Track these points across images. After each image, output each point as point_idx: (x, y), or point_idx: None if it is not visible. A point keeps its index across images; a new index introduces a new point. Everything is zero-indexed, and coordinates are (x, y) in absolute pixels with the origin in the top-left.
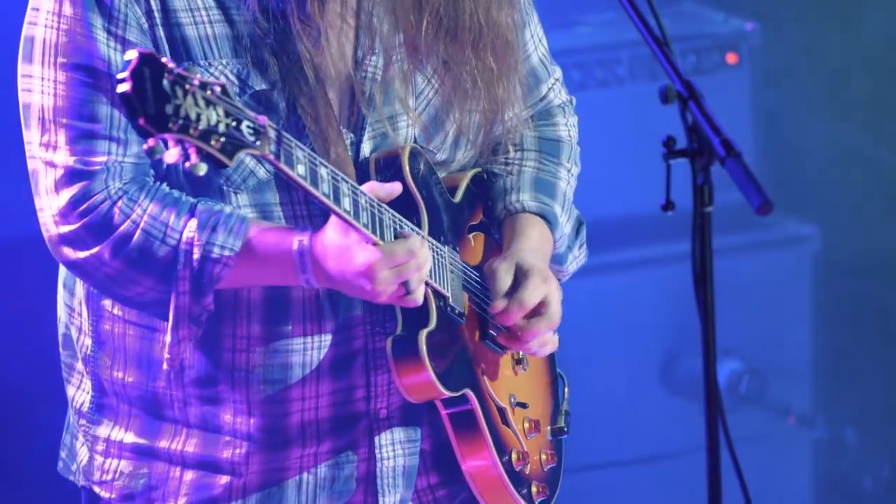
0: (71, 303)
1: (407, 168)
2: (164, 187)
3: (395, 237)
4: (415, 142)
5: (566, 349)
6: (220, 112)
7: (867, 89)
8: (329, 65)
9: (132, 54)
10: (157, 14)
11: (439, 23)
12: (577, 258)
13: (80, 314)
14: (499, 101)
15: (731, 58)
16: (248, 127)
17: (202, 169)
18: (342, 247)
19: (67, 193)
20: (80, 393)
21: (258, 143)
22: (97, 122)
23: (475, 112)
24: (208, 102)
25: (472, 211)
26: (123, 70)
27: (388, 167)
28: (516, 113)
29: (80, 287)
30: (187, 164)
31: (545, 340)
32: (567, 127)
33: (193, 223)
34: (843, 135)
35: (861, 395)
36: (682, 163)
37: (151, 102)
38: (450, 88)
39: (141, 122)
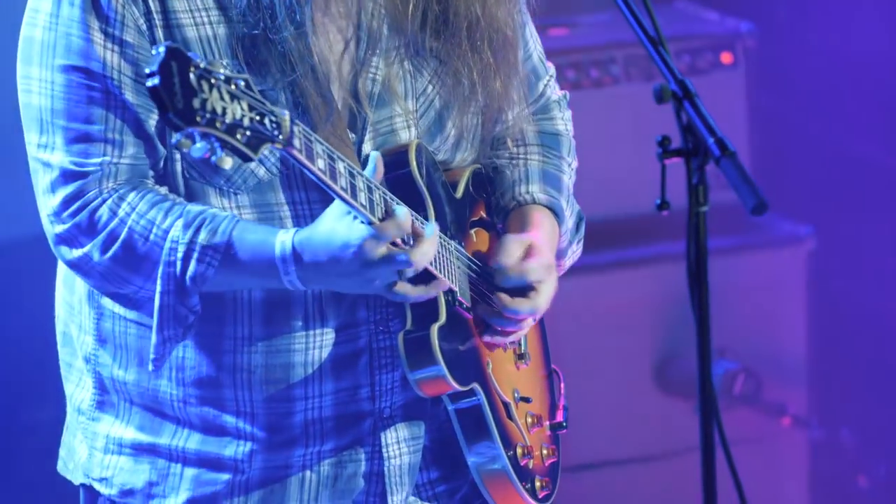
0: (71, 300)
1: (414, 163)
2: (157, 188)
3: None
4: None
5: (562, 348)
6: (245, 106)
7: (862, 90)
8: (331, 65)
9: (160, 49)
10: (156, 15)
11: (435, 19)
12: (574, 253)
13: (80, 312)
14: (497, 98)
15: (726, 57)
16: (272, 121)
17: (228, 163)
18: (334, 232)
19: (62, 193)
20: (79, 390)
21: (281, 136)
22: (93, 124)
23: (475, 113)
24: (233, 96)
25: (473, 206)
26: (152, 64)
27: (393, 163)
28: (517, 113)
29: (80, 285)
30: (214, 158)
31: (522, 324)
32: (564, 121)
33: (180, 223)
34: (839, 135)
35: (856, 395)
36: (678, 163)
37: (179, 96)
38: (450, 89)
39: (170, 115)
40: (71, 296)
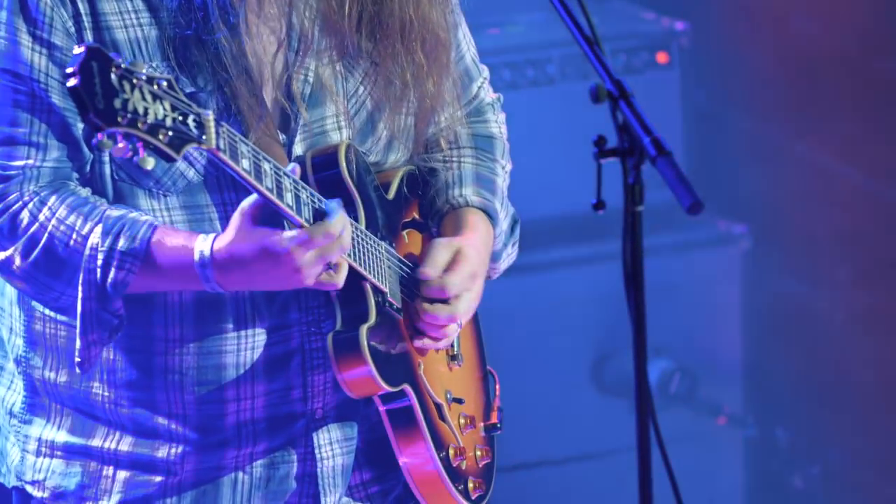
0: (1, 303)
1: (343, 164)
2: (79, 190)
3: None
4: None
5: (498, 348)
6: (167, 106)
7: (796, 89)
8: (264, 66)
9: (79, 49)
10: (85, 18)
11: (369, 20)
12: (509, 255)
13: (10, 314)
14: (430, 98)
15: (662, 57)
16: (195, 121)
17: (150, 163)
18: (257, 242)
19: None
20: (10, 393)
21: (204, 137)
22: (18, 127)
23: (408, 115)
24: (155, 97)
25: (405, 208)
26: (71, 65)
27: (323, 164)
28: (450, 114)
29: (10, 287)
30: (135, 158)
31: (443, 331)
32: (497, 124)
33: (99, 229)
34: (773, 135)
35: (791, 394)
36: (613, 162)
37: (100, 97)
38: (382, 90)
39: (91, 116)
40: (1, 298)
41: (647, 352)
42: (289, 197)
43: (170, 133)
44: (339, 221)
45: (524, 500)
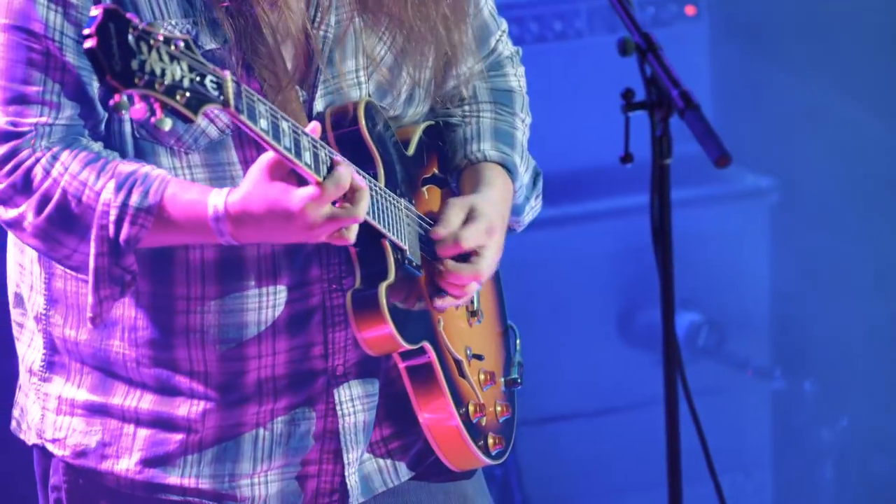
0: (21, 260)
1: (363, 121)
2: (91, 145)
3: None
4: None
5: (526, 301)
6: (185, 67)
7: (828, 42)
8: (283, 22)
9: (96, 11)
10: None
11: None
12: (533, 208)
13: (31, 272)
14: (449, 51)
15: (690, 10)
16: (212, 82)
17: (167, 124)
18: (270, 196)
19: None
20: (31, 351)
21: (221, 97)
22: (31, 85)
23: (428, 68)
24: (172, 57)
25: (425, 163)
26: (88, 26)
27: (342, 121)
28: (470, 66)
29: None
30: (153, 119)
31: (465, 289)
32: (517, 77)
33: (112, 184)
34: (802, 88)
35: (819, 347)
36: (641, 115)
37: (117, 58)
38: (402, 44)
39: (108, 78)
40: (21, 256)
41: (675, 305)
42: (307, 156)
43: (187, 94)
44: (347, 171)
45: (552, 454)
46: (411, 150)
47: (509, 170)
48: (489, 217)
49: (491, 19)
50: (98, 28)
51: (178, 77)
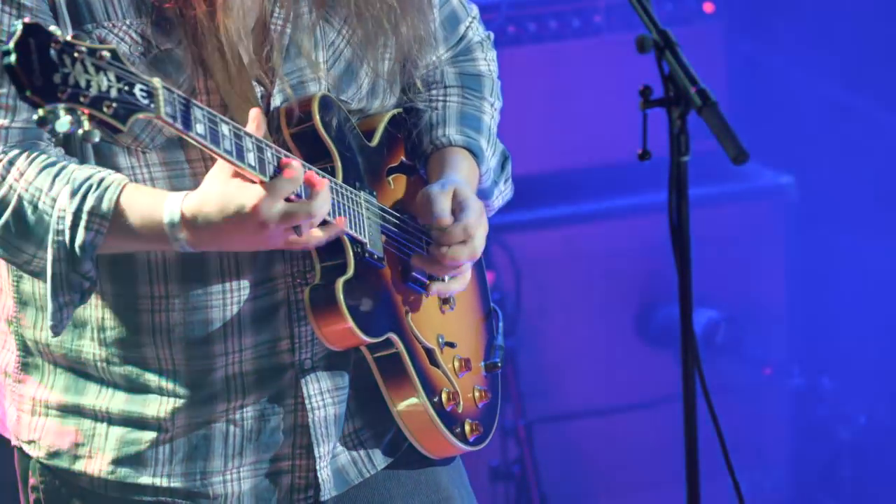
0: None
1: (317, 116)
2: (49, 150)
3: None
4: (327, 92)
5: (544, 298)
6: (112, 77)
7: (845, 39)
8: (238, 19)
9: (16, 25)
10: None
11: None
12: (502, 193)
13: (0, 275)
14: (413, 41)
15: (708, 6)
16: (142, 90)
17: (96, 136)
18: (226, 195)
19: None
20: (5, 353)
21: (152, 105)
22: None
23: (390, 59)
24: (98, 68)
25: (390, 153)
26: (7, 43)
27: (298, 118)
28: (439, 55)
29: None
30: (80, 131)
31: (462, 271)
32: (486, 61)
33: (66, 190)
34: (819, 85)
35: (837, 344)
36: (659, 112)
37: (38, 73)
38: (360, 38)
39: (28, 94)
40: None
41: (693, 302)
42: (251, 157)
43: (114, 105)
44: (296, 166)
45: (569, 451)
46: (375, 141)
47: (475, 153)
48: (474, 197)
49: (460, 7)
50: (17, 44)
51: (104, 88)
